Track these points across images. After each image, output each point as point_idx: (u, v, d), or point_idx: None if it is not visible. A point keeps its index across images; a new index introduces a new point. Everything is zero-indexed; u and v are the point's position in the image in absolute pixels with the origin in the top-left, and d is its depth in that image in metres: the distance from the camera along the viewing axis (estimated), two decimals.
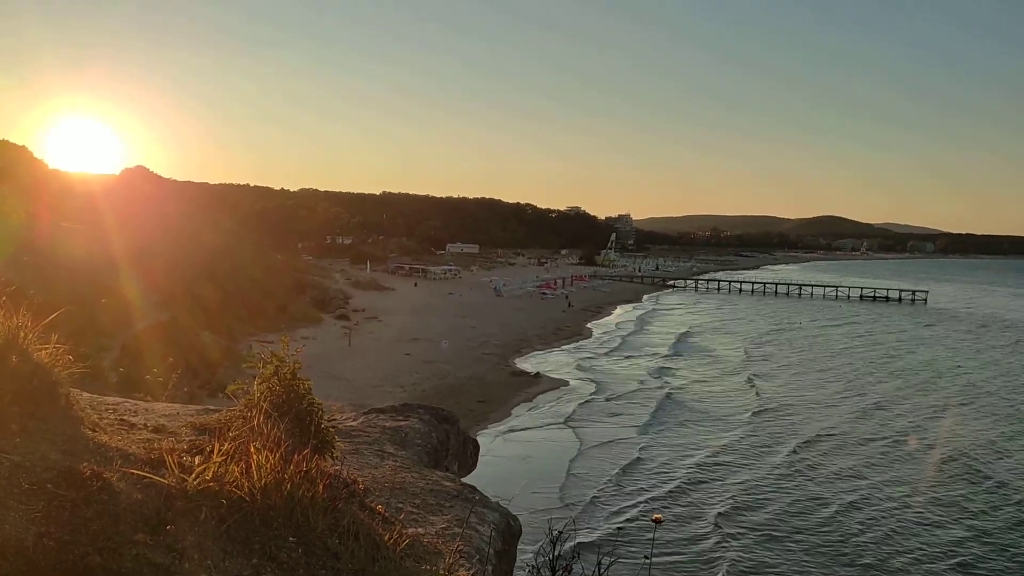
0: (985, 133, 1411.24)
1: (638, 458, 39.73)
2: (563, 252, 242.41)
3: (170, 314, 47.39)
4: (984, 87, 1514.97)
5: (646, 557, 19.88)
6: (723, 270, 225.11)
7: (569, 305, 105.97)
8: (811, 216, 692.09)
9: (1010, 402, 55.56)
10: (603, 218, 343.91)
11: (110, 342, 37.68)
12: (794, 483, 36.75)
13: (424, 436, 6.66)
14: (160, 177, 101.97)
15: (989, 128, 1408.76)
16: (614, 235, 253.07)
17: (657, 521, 26.31)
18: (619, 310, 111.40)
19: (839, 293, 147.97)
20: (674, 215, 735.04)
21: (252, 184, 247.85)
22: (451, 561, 3.85)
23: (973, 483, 37.03)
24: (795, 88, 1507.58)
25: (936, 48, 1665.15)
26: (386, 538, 3.61)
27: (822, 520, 32.11)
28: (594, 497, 33.96)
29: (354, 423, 6.70)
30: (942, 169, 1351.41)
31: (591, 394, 53.42)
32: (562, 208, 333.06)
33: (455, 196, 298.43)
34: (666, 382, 58.88)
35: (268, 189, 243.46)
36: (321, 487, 3.49)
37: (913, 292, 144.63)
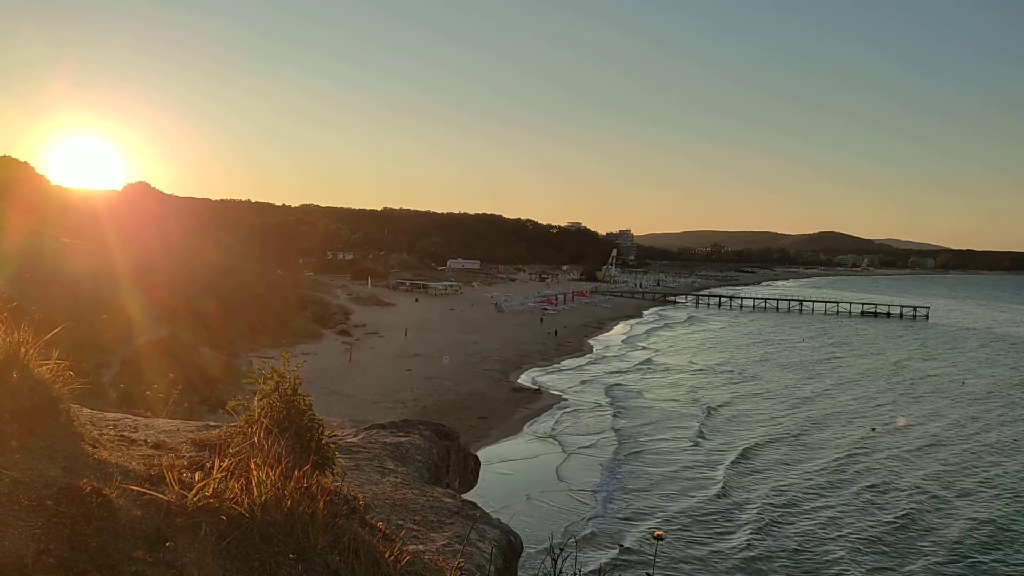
0: (987, 149, 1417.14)
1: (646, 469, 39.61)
2: (564, 268, 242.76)
3: (171, 330, 47.37)
4: (987, 102, 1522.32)
5: (648, 574, 19.79)
6: (724, 286, 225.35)
7: (554, 332, 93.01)
8: (812, 232, 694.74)
9: None
10: (604, 234, 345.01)
11: (110, 358, 37.65)
12: None
13: (425, 452, 6.64)
14: (162, 193, 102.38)
15: (991, 144, 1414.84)
16: (615, 251, 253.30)
17: (659, 537, 26.13)
18: (620, 326, 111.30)
19: (840, 309, 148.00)
20: (675, 231, 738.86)
21: (253, 200, 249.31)
22: None
23: None
24: (797, 103, 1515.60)
25: (938, 63, 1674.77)
26: (386, 555, 3.59)
27: None
28: (592, 515, 33.80)
29: (355, 439, 6.68)
30: (943, 185, 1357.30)
31: (592, 410, 53.24)
32: (563, 224, 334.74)
33: (456, 212, 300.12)
34: (670, 397, 58.75)
35: (269, 205, 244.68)
36: (321, 503, 3.48)
37: (915, 308, 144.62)
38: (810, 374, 73.03)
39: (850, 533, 32.46)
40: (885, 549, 30.96)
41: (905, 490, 38.24)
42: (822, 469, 41.26)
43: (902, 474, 40.88)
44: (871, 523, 33.64)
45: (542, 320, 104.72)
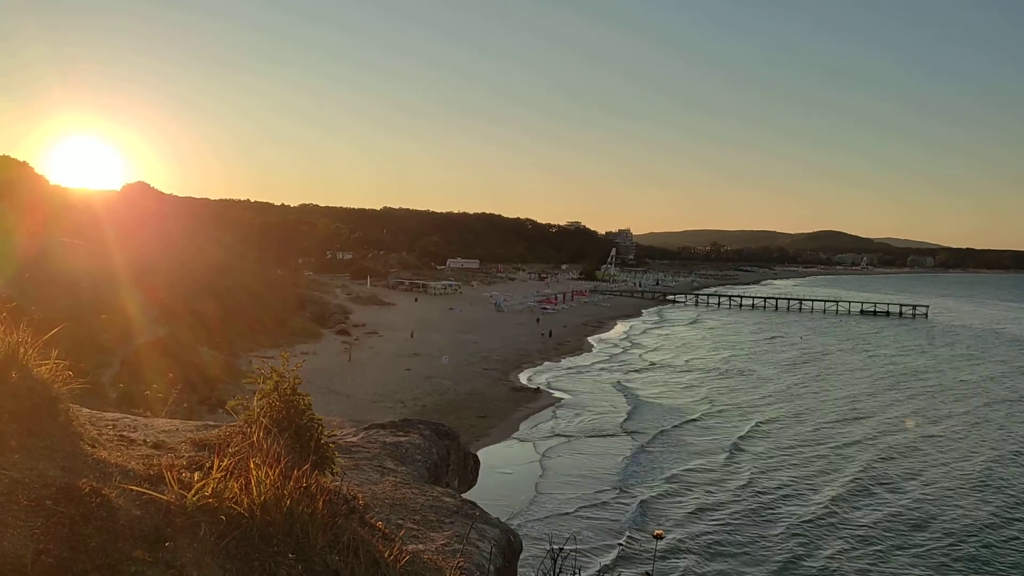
0: (986, 148, 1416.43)
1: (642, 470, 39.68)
2: (563, 267, 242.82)
3: (170, 329, 47.37)
4: (987, 102, 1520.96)
5: (648, 573, 19.80)
6: (723, 285, 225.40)
7: (549, 334, 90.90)
8: (811, 231, 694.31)
9: None
10: (603, 233, 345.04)
11: (110, 358, 37.67)
12: None
13: (424, 452, 6.64)
14: (161, 193, 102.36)
15: (991, 144, 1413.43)
16: (614, 250, 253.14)
17: (658, 537, 26.16)
18: (620, 325, 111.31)
19: (839, 308, 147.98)
20: (674, 230, 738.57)
21: (253, 200, 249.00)
22: None
23: None
24: (795, 103, 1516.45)
25: (938, 63, 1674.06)
26: (386, 555, 3.59)
27: None
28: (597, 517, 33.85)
29: (354, 439, 6.68)
30: (942, 184, 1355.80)
31: (593, 410, 53.24)
32: (562, 223, 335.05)
33: (455, 211, 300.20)
34: (671, 395, 58.81)
35: (269, 205, 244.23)
36: (321, 503, 3.48)
37: (914, 307, 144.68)
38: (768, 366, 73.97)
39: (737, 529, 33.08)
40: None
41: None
42: (722, 461, 42.35)
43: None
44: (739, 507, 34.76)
45: (538, 321, 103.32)
